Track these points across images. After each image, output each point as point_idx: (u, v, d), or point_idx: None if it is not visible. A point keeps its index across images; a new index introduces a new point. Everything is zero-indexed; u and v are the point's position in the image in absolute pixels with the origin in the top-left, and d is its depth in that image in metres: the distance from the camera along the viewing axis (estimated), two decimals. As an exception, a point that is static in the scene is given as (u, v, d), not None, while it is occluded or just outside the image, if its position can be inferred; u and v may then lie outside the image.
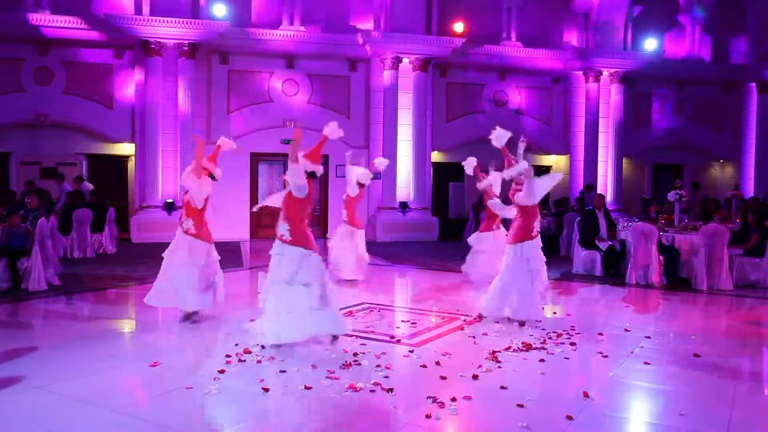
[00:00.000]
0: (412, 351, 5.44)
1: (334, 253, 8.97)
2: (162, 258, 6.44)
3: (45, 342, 5.75)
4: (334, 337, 5.65)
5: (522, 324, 6.34)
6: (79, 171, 14.50)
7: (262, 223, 14.37)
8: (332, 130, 5.76)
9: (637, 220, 10.36)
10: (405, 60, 14.73)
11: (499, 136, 6.97)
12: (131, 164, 14.77)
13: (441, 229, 15.31)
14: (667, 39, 17.05)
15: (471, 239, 9.20)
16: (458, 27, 15.22)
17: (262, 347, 5.40)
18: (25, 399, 4.23)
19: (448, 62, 15.59)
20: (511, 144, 7.11)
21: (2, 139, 13.91)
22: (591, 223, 10.21)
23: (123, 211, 14.31)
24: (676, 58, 17.37)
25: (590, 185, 15.61)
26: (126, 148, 14.67)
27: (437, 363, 5.06)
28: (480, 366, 4.99)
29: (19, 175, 13.96)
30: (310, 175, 5.59)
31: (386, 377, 4.69)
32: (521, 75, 16.53)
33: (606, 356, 5.39)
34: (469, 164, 9.12)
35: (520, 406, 4.13)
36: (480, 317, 6.69)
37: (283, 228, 5.57)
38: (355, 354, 5.27)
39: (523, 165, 6.81)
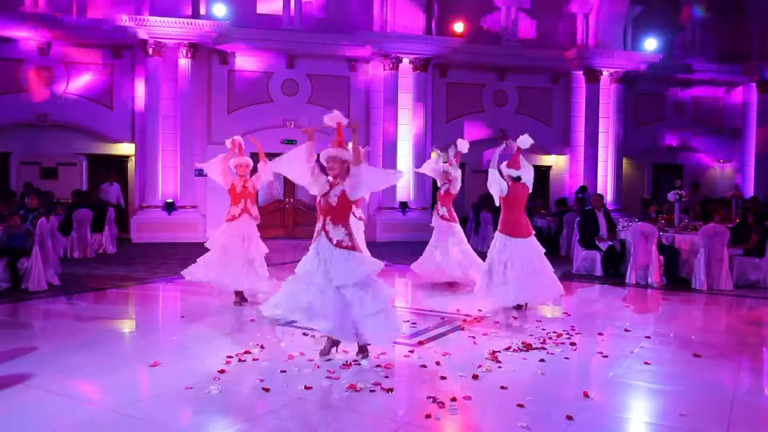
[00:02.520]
0: (412, 351, 5.43)
1: None
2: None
3: (45, 342, 5.74)
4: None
5: None
6: (79, 171, 14.53)
7: (262, 222, 14.31)
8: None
9: (637, 220, 10.35)
10: (405, 60, 14.73)
11: (524, 140, 7.16)
12: (131, 164, 14.77)
13: (441, 229, 15.29)
14: (667, 39, 17.03)
15: None
16: (458, 27, 15.22)
17: (262, 348, 5.39)
18: (25, 399, 4.22)
19: (448, 62, 15.58)
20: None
21: (2, 139, 13.91)
22: (591, 223, 10.20)
23: (123, 211, 14.31)
24: (676, 57, 17.36)
25: (584, 187, 15.62)
26: (126, 148, 14.67)
27: (437, 363, 5.06)
28: (480, 366, 4.98)
29: (19, 175, 13.98)
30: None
31: (386, 377, 4.69)
32: (521, 75, 16.54)
33: (606, 356, 5.38)
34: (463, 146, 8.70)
35: (520, 406, 4.13)
36: (481, 318, 6.69)
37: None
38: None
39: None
